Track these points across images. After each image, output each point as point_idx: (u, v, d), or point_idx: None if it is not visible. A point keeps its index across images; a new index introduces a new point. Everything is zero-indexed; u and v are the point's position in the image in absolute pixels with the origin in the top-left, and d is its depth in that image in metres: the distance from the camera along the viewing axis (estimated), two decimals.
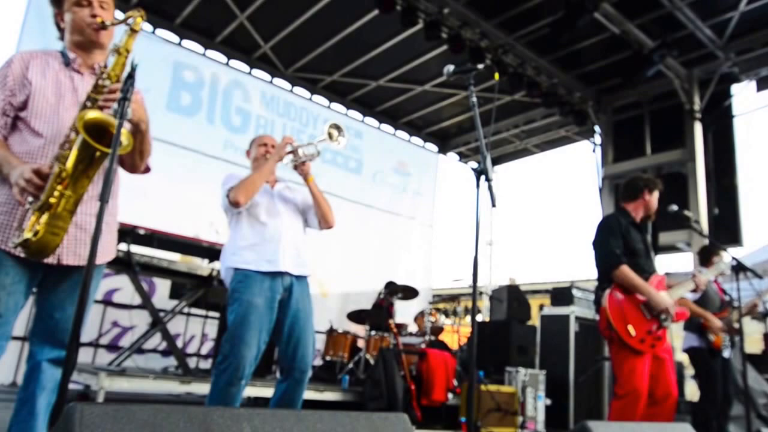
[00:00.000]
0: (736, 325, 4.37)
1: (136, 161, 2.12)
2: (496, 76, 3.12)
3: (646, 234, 3.62)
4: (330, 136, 3.03)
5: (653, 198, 3.59)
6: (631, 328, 3.20)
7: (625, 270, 3.28)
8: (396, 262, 9.45)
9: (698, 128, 7.98)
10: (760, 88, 7.97)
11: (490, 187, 2.20)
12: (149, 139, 2.11)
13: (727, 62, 7.69)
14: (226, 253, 2.98)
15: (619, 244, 3.39)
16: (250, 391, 4.43)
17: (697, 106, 8.01)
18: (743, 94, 8.13)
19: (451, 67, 2.48)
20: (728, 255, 4.32)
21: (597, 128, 9.25)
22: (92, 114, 1.80)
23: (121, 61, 1.91)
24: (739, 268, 4.12)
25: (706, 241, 5.40)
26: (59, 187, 1.75)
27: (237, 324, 2.71)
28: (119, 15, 2.00)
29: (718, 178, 7.92)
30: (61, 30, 2.10)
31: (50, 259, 1.88)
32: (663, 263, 8.64)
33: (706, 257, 4.74)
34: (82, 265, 1.93)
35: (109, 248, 2.11)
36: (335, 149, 8.83)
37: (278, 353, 2.94)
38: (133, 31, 1.92)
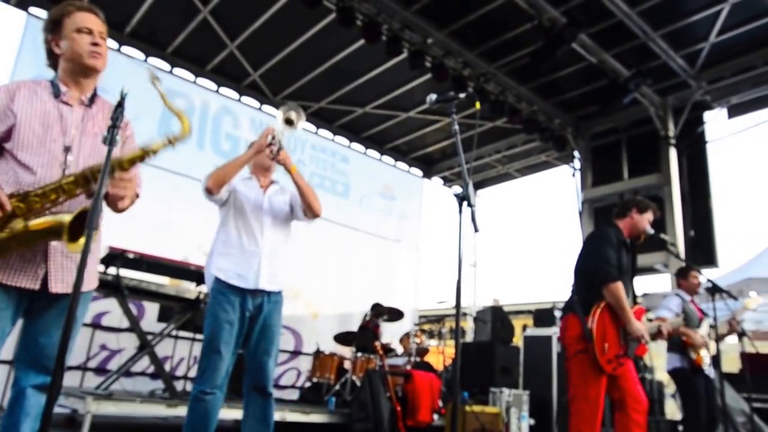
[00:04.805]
0: (713, 344, 4.52)
1: (121, 207, 2.08)
2: (477, 104, 3.20)
3: (633, 257, 3.62)
4: (288, 122, 2.91)
5: (641, 219, 3.58)
6: (606, 347, 3.23)
7: (620, 288, 3.23)
8: (383, 284, 9.51)
9: (673, 153, 8.22)
10: (731, 115, 8.23)
11: (472, 213, 2.24)
12: (133, 195, 2.08)
13: (700, 90, 7.97)
14: (209, 256, 3.06)
15: (615, 258, 3.34)
16: (236, 413, 4.44)
17: (671, 133, 8.27)
18: (715, 121, 8.38)
19: (433, 96, 2.54)
20: (703, 276, 4.48)
21: (576, 153, 9.49)
22: (68, 217, 1.83)
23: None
24: (714, 289, 4.26)
25: (683, 263, 5.57)
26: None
27: (210, 338, 2.87)
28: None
29: (693, 201, 8.11)
30: (52, 56, 2.08)
31: (37, 286, 1.89)
32: (641, 284, 8.80)
33: (683, 275, 4.99)
34: (69, 292, 1.93)
35: (94, 276, 2.14)
36: (324, 174, 9.09)
37: (245, 366, 2.98)
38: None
